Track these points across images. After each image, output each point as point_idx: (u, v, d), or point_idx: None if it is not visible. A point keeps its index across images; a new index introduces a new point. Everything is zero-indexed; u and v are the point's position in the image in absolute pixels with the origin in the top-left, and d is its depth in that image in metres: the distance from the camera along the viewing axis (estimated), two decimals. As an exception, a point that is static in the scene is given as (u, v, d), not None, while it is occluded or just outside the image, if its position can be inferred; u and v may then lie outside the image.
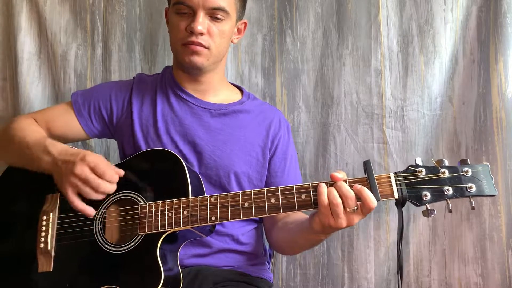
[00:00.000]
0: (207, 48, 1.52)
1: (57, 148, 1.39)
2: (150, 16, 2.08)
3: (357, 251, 2.00)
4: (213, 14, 1.50)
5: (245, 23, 1.67)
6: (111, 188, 1.32)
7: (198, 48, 1.50)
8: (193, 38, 1.49)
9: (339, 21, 2.04)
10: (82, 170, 1.30)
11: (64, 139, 1.64)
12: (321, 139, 2.03)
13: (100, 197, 1.32)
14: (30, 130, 1.51)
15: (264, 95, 2.06)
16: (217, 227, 1.51)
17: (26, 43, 2.02)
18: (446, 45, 1.97)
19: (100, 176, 1.31)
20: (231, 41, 1.62)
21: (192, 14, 1.50)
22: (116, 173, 1.34)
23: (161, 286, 1.26)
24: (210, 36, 1.51)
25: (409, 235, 1.98)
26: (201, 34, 1.49)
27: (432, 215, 1.19)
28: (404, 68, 2.00)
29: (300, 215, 1.51)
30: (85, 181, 1.30)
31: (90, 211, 1.34)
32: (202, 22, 1.48)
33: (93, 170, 1.31)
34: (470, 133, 1.94)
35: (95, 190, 1.31)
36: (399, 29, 2.01)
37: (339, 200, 1.19)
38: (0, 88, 2.06)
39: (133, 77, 1.71)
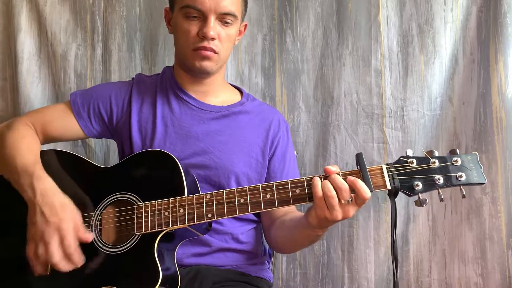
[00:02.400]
0: (217, 53, 1.52)
1: (43, 186, 1.35)
2: (150, 16, 2.08)
3: (357, 251, 1.99)
4: (223, 18, 1.50)
5: (245, 25, 1.68)
6: (65, 268, 1.30)
7: (209, 53, 1.50)
8: (205, 44, 1.49)
9: (339, 21, 2.04)
10: (51, 236, 1.28)
11: (61, 140, 1.64)
12: (321, 139, 2.03)
13: (45, 263, 1.31)
14: (22, 147, 1.47)
15: (264, 95, 2.06)
16: (217, 226, 1.52)
17: (26, 43, 2.02)
18: (446, 45, 1.97)
19: (63, 249, 1.29)
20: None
21: (202, 19, 1.49)
22: (84, 240, 1.32)
23: (159, 286, 1.26)
24: (220, 41, 1.51)
25: (409, 235, 1.98)
26: (213, 39, 1.49)
27: (425, 205, 1.20)
28: (404, 68, 2.00)
29: (297, 213, 1.51)
30: (46, 245, 1.28)
31: (39, 270, 1.33)
32: (213, 27, 1.48)
33: (61, 241, 1.28)
34: (470, 133, 1.94)
35: (48, 258, 1.29)
36: (399, 29, 2.01)
37: (334, 193, 1.19)
38: (0, 88, 2.07)
39: (132, 78, 1.71)
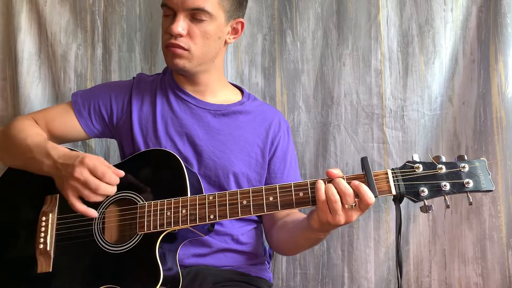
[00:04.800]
0: (187, 50, 1.49)
1: (58, 151, 1.38)
2: (150, 16, 2.08)
3: (357, 251, 1.99)
4: (194, 15, 1.47)
5: (242, 23, 1.60)
6: (111, 189, 1.31)
7: (178, 50, 1.48)
8: (172, 40, 1.47)
9: (339, 21, 2.04)
10: (81, 173, 1.29)
11: (64, 139, 1.64)
12: (321, 139, 2.03)
13: (100, 198, 1.31)
14: (31, 132, 1.50)
15: (264, 95, 2.06)
16: (217, 227, 1.51)
17: (26, 43, 2.02)
18: (446, 45, 1.97)
19: (99, 178, 1.30)
20: (226, 41, 1.58)
21: (173, 16, 1.48)
22: (116, 175, 1.33)
23: (160, 286, 1.26)
24: (191, 38, 1.48)
25: (409, 235, 1.98)
26: (180, 35, 1.47)
27: (430, 211, 1.19)
28: (404, 68, 2.00)
29: (299, 215, 1.50)
30: (85, 184, 1.29)
31: (92, 212, 1.33)
32: (181, 24, 1.46)
33: (93, 172, 1.29)
34: (470, 133, 1.93)
35: (95, 192, 1.29)
36: (399, 29, 2.00)
37: (337, 197, 1.18)
38: (0, 88, 2.07)
39: (133, 77, 1.70)
